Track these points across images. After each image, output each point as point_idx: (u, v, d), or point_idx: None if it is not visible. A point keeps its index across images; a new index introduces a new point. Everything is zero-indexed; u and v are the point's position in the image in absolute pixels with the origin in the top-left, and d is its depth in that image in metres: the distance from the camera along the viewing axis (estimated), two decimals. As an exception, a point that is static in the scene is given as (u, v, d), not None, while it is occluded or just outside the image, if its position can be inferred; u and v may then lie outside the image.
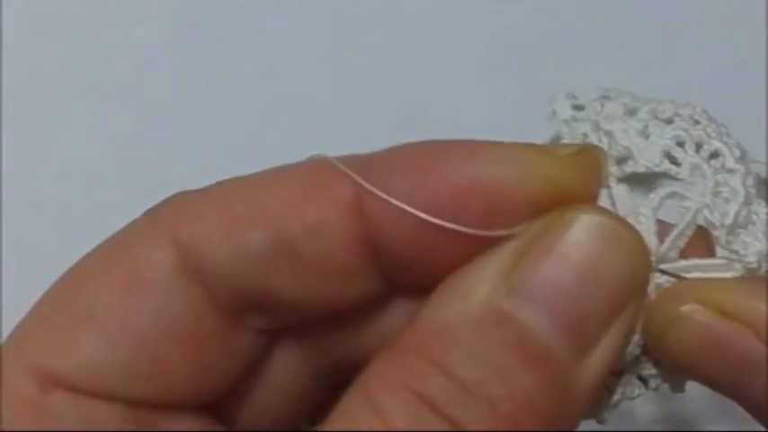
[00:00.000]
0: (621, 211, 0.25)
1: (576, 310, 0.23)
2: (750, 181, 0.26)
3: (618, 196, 0.26)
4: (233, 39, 0.48)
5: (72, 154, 0.44)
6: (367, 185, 0.25)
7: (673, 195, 0.26)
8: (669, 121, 0.26)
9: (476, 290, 0.23)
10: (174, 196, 0.27)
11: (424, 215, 0.24)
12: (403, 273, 0.26)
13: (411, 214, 0.25)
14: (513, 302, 0.23)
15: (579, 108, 0.27)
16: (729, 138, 0.27)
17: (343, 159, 0.26)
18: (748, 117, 0.49)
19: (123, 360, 0.25)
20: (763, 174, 0.26)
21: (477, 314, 0.23)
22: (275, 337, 0.28)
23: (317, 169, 0.26)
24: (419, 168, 0.25)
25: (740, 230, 0.26)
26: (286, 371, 0.29)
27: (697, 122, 0.26)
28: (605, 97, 0.27)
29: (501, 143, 0.25)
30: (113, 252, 0.26)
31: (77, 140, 0.46)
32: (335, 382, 0.29)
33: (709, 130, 0.27)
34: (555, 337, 0.23)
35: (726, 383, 0.24)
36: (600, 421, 0.26)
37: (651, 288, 0.25)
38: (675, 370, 0.25)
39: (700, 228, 0.26)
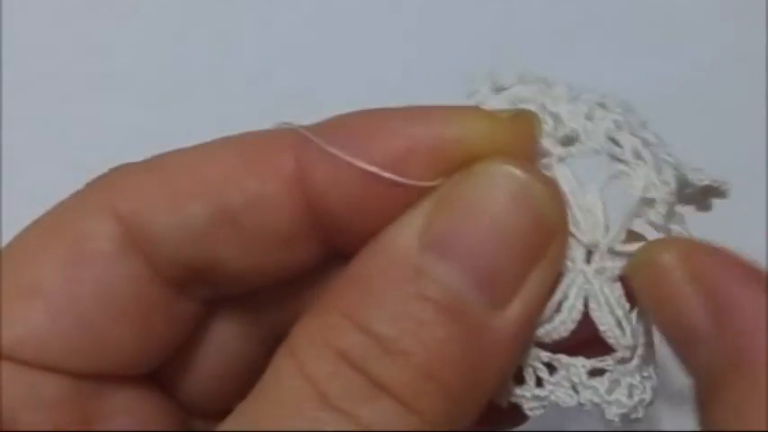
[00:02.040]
0: (565, 190, 0.25)
1: (487, 263, 0.23)
2: (675, 172, 0.26)
3: (561, 176, 0.26)
4: (234, 32, 0.48)
5: (72, 146, 0.44)
6: (330, 149, 0.25)
7: (619, 174, 0.26)
8: (603, 106, 0.27)
9: (392, 245, 0.24)
10: (115, 168, 0.27)
11: (373, 168, 0.25)
12: (344, 237, 0.26)
13: (353, 178, 0.25)
14: (426, 257, 0.23)
15: (500, 89, 0.28)
16: (649, 130, 0.27)
17: (284, 128, 0.26)
18: (748, 110, 0.49)
19: (67, 333, 0.25)
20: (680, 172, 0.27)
21: (392, 269, 0.23)
22: (216, 305, 0.28)
23: (259, 141, 0.26)
24: (359, 134, 0.25)
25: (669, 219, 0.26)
26: (228, 338, 0.29)
27: (628, 110, 0.27)
28: (522, 80, 0.28)
29: (440, 106, 0.25)
30: (55, 225, 0.26)
31: (78, 132, 0.45)
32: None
33: (633, 119, 0.27)
34: (467, 291, 0.23)
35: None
36: (501, 403, 0.26)
37: (604, 269, 0.25)
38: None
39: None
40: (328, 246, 0.26)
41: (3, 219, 0.42)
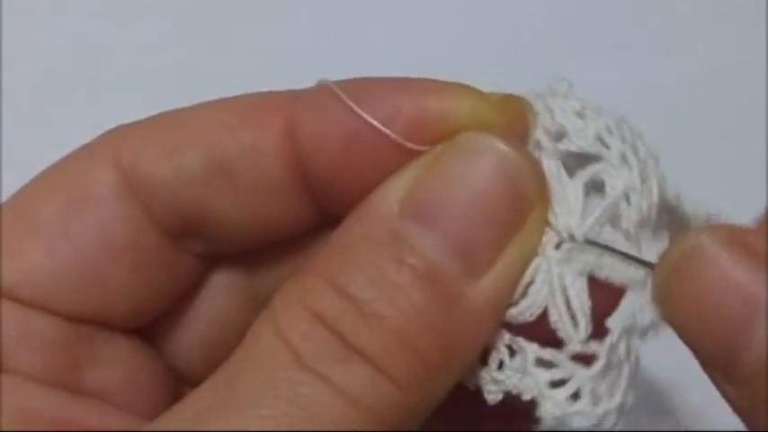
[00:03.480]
0: (550, 184, 0.26)
1: (465, 232, 0.24)
2: (660, 188, 0.27)
3: (546, 166, 0.26)
4: (233, 34, 0.48)
5: (73, 147, 0.44)
6: (357, 109, 0.25)
7: (602, 173, 0.26)
8: (597, 111, 0.27)
9: (374, 210, 0.25)
10: (117, 126, 0.28)
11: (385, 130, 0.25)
12: (329, 202, 0.27)
13: (337, 137, 0.25)
14: (405, 223, 0.24)
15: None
16: (646, 147, 0.27)
17: (275, 93, 0.27)
18: (748, 112, 0.49)
19: (65, 272, 0.26)
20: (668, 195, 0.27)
21: (372, 234, 0.24)
22: (211, 264, 0.29)
23: (252, 100, 0.27)
24: (348, 97, 0.26)
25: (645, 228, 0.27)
26: (220, 301, 0.30)
27: (624, 120, 0.27)
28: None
29: (428, 79, 0.26)
30: (56, 174, 0.27)
31: (78, 133, 0.46)
32: None
33: (628, 129, 0.27)
34: (445, 258, 0.24)
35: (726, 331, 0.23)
36: (471, 385, 0.26)
37: (570, 258, 0.25)
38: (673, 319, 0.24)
39: None
40: (318, 209, 0.27)
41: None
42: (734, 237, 0.24)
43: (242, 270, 0.29)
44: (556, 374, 0.25)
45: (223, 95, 0.51)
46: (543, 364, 0.25)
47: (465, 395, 0.26)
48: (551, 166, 0.26)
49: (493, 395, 0.25)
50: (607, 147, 0.26)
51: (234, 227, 0.27)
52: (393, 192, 0.24)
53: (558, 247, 0.25)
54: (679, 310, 0.24)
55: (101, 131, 0.50)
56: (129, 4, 0.49)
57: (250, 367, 0.23)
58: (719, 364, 0.24)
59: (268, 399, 0.22)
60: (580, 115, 0.27)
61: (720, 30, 0.49)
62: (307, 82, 0.52)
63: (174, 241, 0.27)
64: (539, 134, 0.26)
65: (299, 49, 0.49)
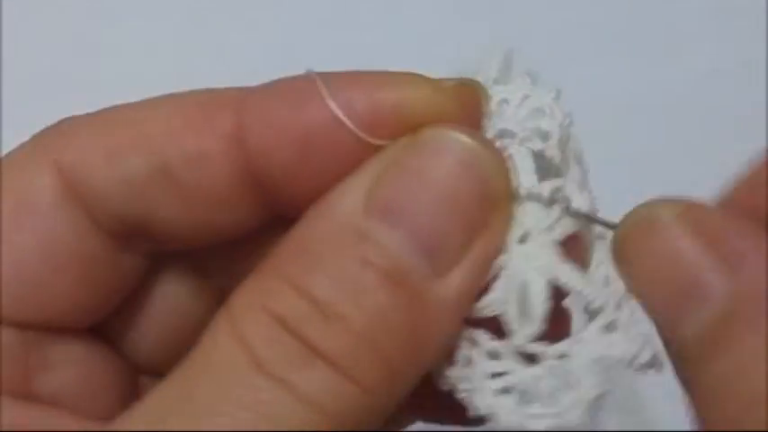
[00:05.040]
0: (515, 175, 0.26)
1: (431, 230, 0.24)
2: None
3: (517, 155, 0.26)
4: (233, 37, 0.48)
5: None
6: (333, 106, 0.25)
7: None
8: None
9: (335, 208, 0.25)
10: (60, 121, 0.28)
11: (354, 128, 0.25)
12: (286, 201, 0.27)
13: (293, 140, 0.25)
14: (370, 221, 0.24)
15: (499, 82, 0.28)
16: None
17: (222, 92, 0.27)
18: (748, 115, 0.49)
19: (9, 283, 0.26)
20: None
21: (334, 233, 0.24)
22: (164, 262, 0.29)
23: (200, 99, 0.27)
24: (295, 99, 0.26)
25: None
26: (174, 296, 0.31)
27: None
28: (534, 80, 0.28)
29: (383, 71, 0.25)
30: None
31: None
32: None
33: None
34: (411, 257, 0.24)
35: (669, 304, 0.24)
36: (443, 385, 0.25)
37: (536, 256, 0.25)
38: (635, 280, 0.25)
39: None
40: (272, 209, 0.27)
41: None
42: (690, 214, 0.24)
43: (194, 265, 0.29)
44: (496, 367, 0.25)
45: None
46: (491, 356, 0.25)
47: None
48: (516, 157, 0.26)
49: (464, 393, 0.25)
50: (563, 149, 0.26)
51: (180, 229, 0.27)
52: (355, 189, 0.25)
53: (522, 240, 0.25)
54: (634, 276, 0.25)
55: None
56: (129, 4, 0.49)
57: (209, 373, 0.23)
58: (661, 328, 0.25)
59: (228, 406, 0.23)
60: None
61: (721, 31, 0.49)
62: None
63: (119, 242, 0.27)
64: (501, 122, 0.26)
65: (297, 50, 0.49)
